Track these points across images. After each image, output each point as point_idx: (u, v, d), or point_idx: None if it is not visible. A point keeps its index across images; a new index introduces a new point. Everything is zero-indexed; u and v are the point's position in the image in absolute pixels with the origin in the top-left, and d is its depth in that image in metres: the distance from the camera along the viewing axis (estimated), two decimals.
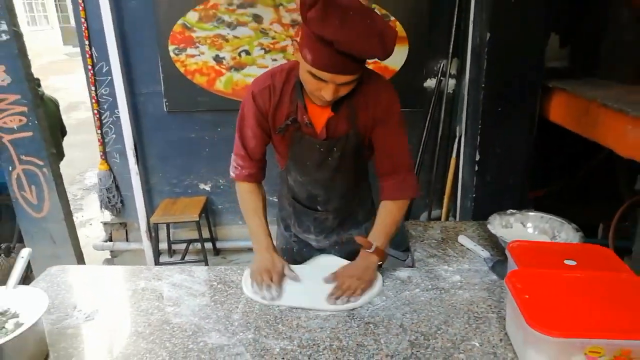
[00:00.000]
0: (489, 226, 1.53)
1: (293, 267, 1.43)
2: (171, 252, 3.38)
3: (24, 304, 1.13)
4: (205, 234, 3.26)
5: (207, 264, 3.12)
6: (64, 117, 3.68)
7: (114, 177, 3.28)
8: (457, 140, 2.99)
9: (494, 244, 1.59)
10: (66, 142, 3.76)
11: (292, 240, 1.61)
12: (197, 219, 2.99)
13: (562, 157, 2.90)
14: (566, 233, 1.50)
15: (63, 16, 19.49)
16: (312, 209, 1.52)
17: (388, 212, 1.41)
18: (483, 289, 1.35)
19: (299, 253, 1.61)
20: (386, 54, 1.14)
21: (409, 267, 1.56)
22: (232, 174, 1.46)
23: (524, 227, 1.59)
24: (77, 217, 5.02)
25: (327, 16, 1.08)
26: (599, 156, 2.61)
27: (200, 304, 1.30)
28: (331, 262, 1.49)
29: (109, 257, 3.55)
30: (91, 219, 4.74)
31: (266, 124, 1.36)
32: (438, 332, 1.17)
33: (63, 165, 4.01)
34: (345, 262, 1.45)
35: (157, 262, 3.16)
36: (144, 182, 3.26)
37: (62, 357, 1.11)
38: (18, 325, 1.07)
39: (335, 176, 1.43)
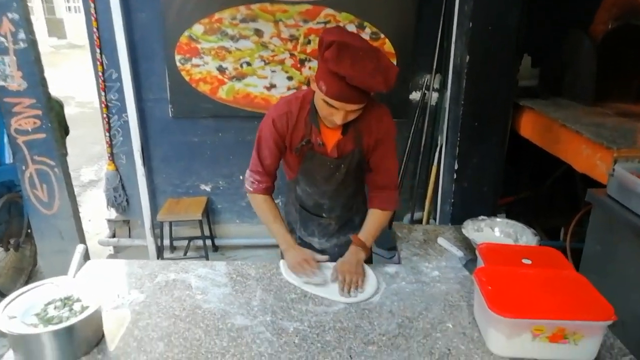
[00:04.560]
0: (463, 230, 1.83)
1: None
2: (172, 248, 3.61)
3: (83, 291, 1.38)
4: (205, 231, 3.50)
5: (207, 260, 3.37)
6: None
7: (120, 177, 3.49)
8: (438, 149, 3.29)
9: (468, 245, 1.88)
10: None
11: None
12: (200, 218, 3.23)
13: (530, 168, 3.23)
14: (526, 237, 1.80)
15: (48, 7, 19.30)
16: (317, 215, 1.79)
17: (376, 219, 1.71)
18: (457, 283, 1.64)
19: None
20: (389, 88, 1.41)
21: (397, 264, 1.84)
22: (249, 188, 1.71)
23: (492, 231, 1.89)
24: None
25: (341, 56, 1.35)
26: (562, 168, 2.94)
27: (224, 292, 1.57)
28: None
29: (112, 252, 3.76)
30: (90, 216, 4.92)
31: (282, 145, 1.63)
32: (420, 316, 1.46)
33: None
34: None
35: (160, 258, 3.39)
36: (149, 183, 3.48)
37: (114, 335, 1.36)
38: (83, 308, 1.32)
39: (340, 188, 1.71)
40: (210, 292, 1.57)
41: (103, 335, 1.36)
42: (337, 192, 1.73)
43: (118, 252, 3.74)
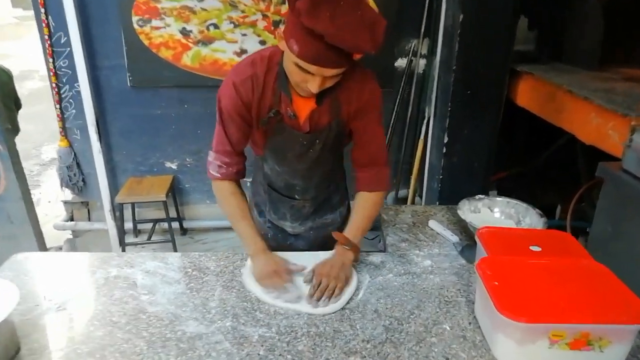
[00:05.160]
0: (459, 211, 1.58)
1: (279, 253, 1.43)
2: (137, 232, 3.31)
3: None
4: (172, 213, 3.21)
5: (174, 244, 3.09)
6: (16, 88, 3.47)
7: (75, 154, 3.15)
8: (425, 121, 3.04)
9: (463, 228, 1.64)
10: (19, 115, 3.57)
11: (267, 226, 1.61)
12: (164, 199, 2.93)
13: (523, 141, 3.00)
14: (530, 218, 1.57)
15: None
16: (289, 197, 1.52)
17: (363, 208, 1.42)
18: (452, 273, 1.40)
19: (274, 238, 1.61)
20: (376, 48, 1.10)
21: (382, 251, 1.60)
22: (215, 174, 1.39)
23: (491, 212, 1.65)
24: (35, 195, 4.80)
25: (317, 7, 1.04)
26: (561, 140, 2.72)
27: (175, 291, 1.30)
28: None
29: (71, 236, 3.44)
30: (49, 197, 4.56)
31: (249, 116, 1.33)
32: (411, 316, 1.22)
33: (17, 140, 3.81)
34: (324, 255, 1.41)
35: (122, 243, 3.09)
36: (107, 160, 3.15)
37: (34, 350, 1.09)
38: None
39: (315, 167, 1.43)
40: (159, 291, 1.30)
41: (18, 351, 1.08)
42: (311, 171, 1.45)
43: (77, 236, 3.42)
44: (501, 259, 1.20)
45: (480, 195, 1.67)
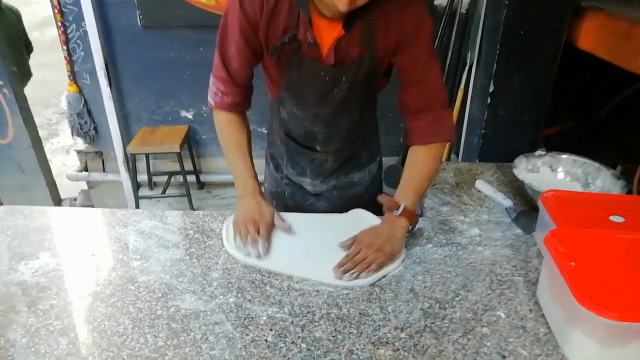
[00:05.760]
0: (514, 170, 1.31)
1: (295, 215, 1.22)
2: (152, 184, 3.15)
3: None
4: (188, 166, 3.02)
5: (190, 199, 2.91)
6: (35, 34, 3.28)
7: (85, 100, 2.95)
8: (467, 68, 2.69)
9: (517, 190, 1.38)
10: (39, 62, 3.39)
11: (284, 183, 1.38)
12: (179, 150, 2.73)
13: (581, 91, 2.64)
14: (603, 180, 1.29)
15: None
16: (309, 148, 1.27)
17: (419, 163, 1.14)
18: (506, 246, 1.15)
19: (292, 197, 1.38)
20: None
21: (418, 215, 1.35)
22: (210, 101, 1.18)
23: (552, 171, 1.37)
24: (53, 144, 4.72)
25: None
26: (627, 91, 2.35)
27: (172, 257, 1.09)
28: (352, 221, 1.21)
29: (85, 188, 3.31)
30: (69, 146, 4.44)
31: (255, 39, 1.07)
32: (456, 299, 0.98)
33: (36, 87, 3.64)
34: (374, 221, 1.18)
35: (136, 196, 2.94)
36: (119, 108, 2.94)
37: (1, 323, 0.91)
38: None
39: (340, 111, 1.17)
40: (153, 256, 1.10)
41: None
42: (336, 117, 1.19)
43: (92, 187, 3.29)
44: (577, 232, 0.94)
45: (539, 151, 1.39)
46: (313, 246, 1.12)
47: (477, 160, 2.50)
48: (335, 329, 0.90)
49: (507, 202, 1.29)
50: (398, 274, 1.05)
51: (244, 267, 1.07)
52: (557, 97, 2.49)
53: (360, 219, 1.20)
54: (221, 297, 0.98)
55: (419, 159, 1.14)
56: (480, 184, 1.38)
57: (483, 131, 2.42)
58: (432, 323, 0.92)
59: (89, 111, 2.97)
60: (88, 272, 1.05)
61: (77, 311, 0.94)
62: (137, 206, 2.94)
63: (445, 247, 1.14)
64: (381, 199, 1.13)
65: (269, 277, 1.04)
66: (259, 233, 1.09)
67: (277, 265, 1.06)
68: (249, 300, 0.97)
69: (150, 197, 3.05)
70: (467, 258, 1.10)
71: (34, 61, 3.52)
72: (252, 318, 0.93)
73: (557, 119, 2.71)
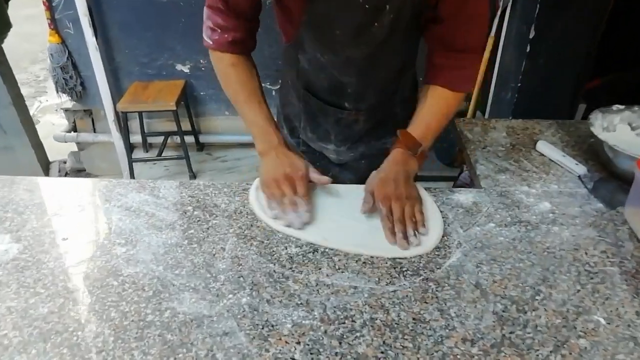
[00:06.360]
0: (592, 128, 1.05)
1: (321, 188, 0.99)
2: (146, 146, 2.89)
3: None
4: (186, 126, 2.75)
5: (188, 162, 2.67)
6: None
7: (69, 52, 2.64)
8: (499, 12, 2.37)
9: (588, 153, 1.13)
10: (26, 14, 3.04)
11: (300, 151, 1.12)
12: (174, 108, 2.45)
13: (630, 39, 2.33)
14: None
15: None
16: (335, 106, 1.00)
17: (444, 104, 0.96)
18: (588, 224, 0.91)
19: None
20: None
21: (466, 185, 1.11)
22: (207, 39, 0.94)
23: (632, 130, 1.12)
24: (41, 102, 4.42)
25: None
26: None
27: (166, 242, 0.86)
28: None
29: (76, 149, 3.06)
30: (57, 105, 4.14)
31: None
32: (537, 297, 0.75)
33: (22, 41, 3.32)
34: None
35: (129, 158, 2.68)
36: (107, 60, 2.64)
37: None
38: None
39: (379, 54, 0.91)
40: (142, 241, 0.86)
41: None
42: (373, 62, 0.93)
43: (82, 149, 3.03)
44: None
45: (617, 106, 1.12)
46: (355, 218, 0.91)
47: (510, 118, 2.24)
48: (384, 342, 0.68)
49: (581, 169, 1.05)
50: (456, 263, 0.82)
51: (260, 253, 0.83)
52: (605, 43, 2.20)
53: None
54: (230, 296, 0.75)
55: (438, 102, 0.96)
56: (543, 146, 1.13)
57: (519, 84, 2.15)
58: (510, 333, 0.69)
59: (74, 65, 2.67)
60: (57, 262, 0.81)
61: (42, 318, 0.71)
62: (131, 170, 2.69)
63: (511, 227, 0.90)
64: (402, 133, 0.94)
65: (291, 266, 0.81)
66: (295, 193, 0.88)
67: (328, 239, 0.85)
68: (267, 301, 0.74)
69: (145, 160, 2.80)
70: (542, 242, 0.87)
71: (20, 13, 3.19)
72: (272, 326, 0.70)
73: (600, 70, 2.42)
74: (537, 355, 0.66)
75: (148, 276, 0.78)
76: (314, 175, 0.94)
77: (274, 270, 0.80)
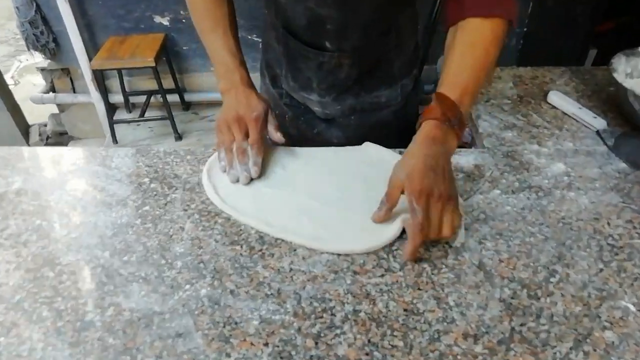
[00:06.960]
0: (615, 75, 0.90)
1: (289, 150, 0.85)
2: (129, 106, 2.73)
3: None
4: (169, 83, 2.58)
5: (173, 122, 2.52)
6: None
7: (38, 5, 2.43)
8: None
9: (608, 105, 0.98)
10: None
11: (284, 103, 0.97)
12: (154, 64, 2.27)
13: None
14: None
15: None
16: (316, 47, 0.84)
17: (479, 46, 0.71)
18: (609, 188, 0.78)
19: (294, 123, 0.98)
20: None
21: (466, 144, 0.98)
22: None
23: None
24: (21, 62, 4.20)
25: None
26: None
27: (116, 222, 0.73)
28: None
29: (56, 111, 2.90)
30: (36, 64, 3.93)
31: None
32: (552, 280, 0.63)
33: None
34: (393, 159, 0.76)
35: (110, 119, 2.53)
36: (79, 14, 2.43)
37: None
38: None
39: None
40: (88, 221, 0.73)
41: None
42: None
43: (62, 111, 2.87)
44: None
45: None
46: (321, 198, 0.75)
47: (516, 66, 2.07)
48: (369, 340, 0.56)
49: (600, 123, 0.90)
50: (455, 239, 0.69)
51: (224, 233, 0.71)
52: None
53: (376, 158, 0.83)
54: (187, 287, 0.63)
55: (478, 39, 0.71)
56: (555, 97, 0.98)
57: (525, 29, 1.97)
58: (521, 325, 0.58)
59: (44, 19, 2.46)
60: None
61: None
62: (113, 132, 2.54)
63: (520, 194, 0.77)
64: (437, 96, 0.70)
65: (261, 248, 0.68)
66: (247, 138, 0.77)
67: (279, 224, 0.71)
68: (231, 292, 0.62)
69: (128, 121, 2.64)
70: (556, 211, 0.74)
71: None
72: (235, 323, 0.59)
73: (613, 11, 2.22)
74: (555, 353, 0.55)
75: (91, 264, 0.66)
76: (270, 127, 0.80)
77: (241, 254, 0.67)
